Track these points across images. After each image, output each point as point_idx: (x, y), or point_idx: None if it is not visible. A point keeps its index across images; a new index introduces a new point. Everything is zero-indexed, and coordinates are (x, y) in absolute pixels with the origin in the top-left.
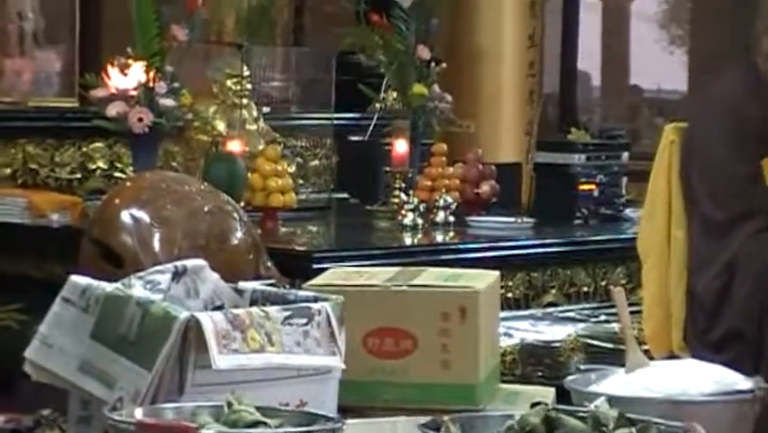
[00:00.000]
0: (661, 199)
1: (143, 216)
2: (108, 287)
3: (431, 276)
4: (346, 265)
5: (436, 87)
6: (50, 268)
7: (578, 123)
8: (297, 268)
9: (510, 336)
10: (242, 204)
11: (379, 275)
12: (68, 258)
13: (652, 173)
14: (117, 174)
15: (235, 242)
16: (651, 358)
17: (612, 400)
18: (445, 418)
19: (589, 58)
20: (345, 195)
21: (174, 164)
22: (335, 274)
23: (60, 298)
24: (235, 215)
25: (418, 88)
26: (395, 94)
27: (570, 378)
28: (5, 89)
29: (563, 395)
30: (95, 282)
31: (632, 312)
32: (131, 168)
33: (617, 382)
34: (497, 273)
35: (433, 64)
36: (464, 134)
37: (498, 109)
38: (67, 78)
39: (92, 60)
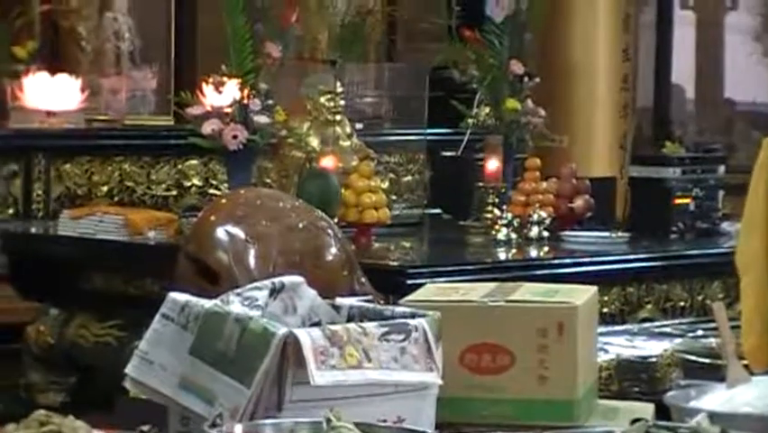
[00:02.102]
0: (760, 213)
1: (239, 232)
2: (207, 303)
3: (528, 291)
4: (440, 281)
5: (529, 102)
6: (146, 285)
7: (672, 136)
8: (390, 284)
9: (606, 351)
10: (336, 220)
11: (475, 291)
12: (165, 275)
13: (750, 187)
14: (212, 191)
15: (330, 258)
16: (750, 373)
17: (713, 417)
18: None
19: (683, 71)
20: (438, 210)
21: (268, 181)
22: (432, 290)
23: (160, 314)
24: (329, 231)
25: (511, 103)
26: (488, 109)
27: (669, 394)
28: (102, 108)
29: (662, 411)
30: (193, 299)
31: (731, 327)
32: (225, 185)
33: (717, 398)
34: (594, 288)
35: (526, 79)
36: (558, 149)
37: (592, 123)
38: (162, 96)
39: (187, 78)
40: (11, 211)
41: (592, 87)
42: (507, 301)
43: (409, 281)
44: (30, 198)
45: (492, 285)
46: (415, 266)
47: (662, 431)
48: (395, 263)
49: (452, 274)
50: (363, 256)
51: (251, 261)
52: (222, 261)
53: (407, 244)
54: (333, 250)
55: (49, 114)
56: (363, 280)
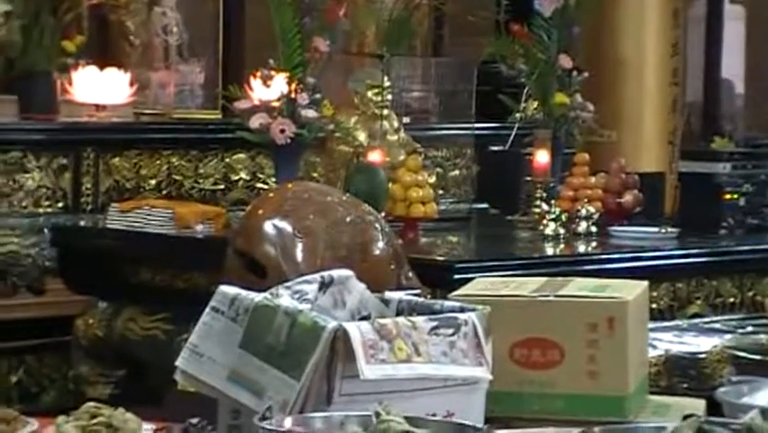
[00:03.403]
0: None
1: (286, 226)
2: (257, 297)
3: (578, 286)
4: (487, 276)
5: (578, 97)
6: (194, 278)
7: (722, 131)
8: (437, 278)
9: (655, 347)
10: (383, 214)
11: (525, 285)
12: (213, 268)
13: None
14: (259, 185)
15: (377, 252)
16: None
17: (766, 413)
18: (596, 429)
19: (733, 66)
20: (485, 205)
21: (315, 175)
22: (481, 284)
23: (210, 308)
24: (377, 225)
25: (560, 98)
26: (536, 103)
27: (721, 390)
28: (150, 102)
29: (713, 407)
30: (243, 292)
31: None
32: (273, 179)
33: None
34: (645, 283)
35: (575, 73)
36: (606, 144)
37: (641, 118)
38: (210, 90)
39: (235, 72)
40: (60, 205)
41: (641, 82)
42: (557, 296)
43: (456, 276)
44: (79, 192)
45: (542, 280)
46: (462, 261)
47: (715, 427)
48: (442, 258)
49: (499, 269)
50: (410, 251)
51: (299, 255)
52: (269, 255)
53: (454, 239)
54: (381, 244)
55: (98, 107)
56: (410, 274)
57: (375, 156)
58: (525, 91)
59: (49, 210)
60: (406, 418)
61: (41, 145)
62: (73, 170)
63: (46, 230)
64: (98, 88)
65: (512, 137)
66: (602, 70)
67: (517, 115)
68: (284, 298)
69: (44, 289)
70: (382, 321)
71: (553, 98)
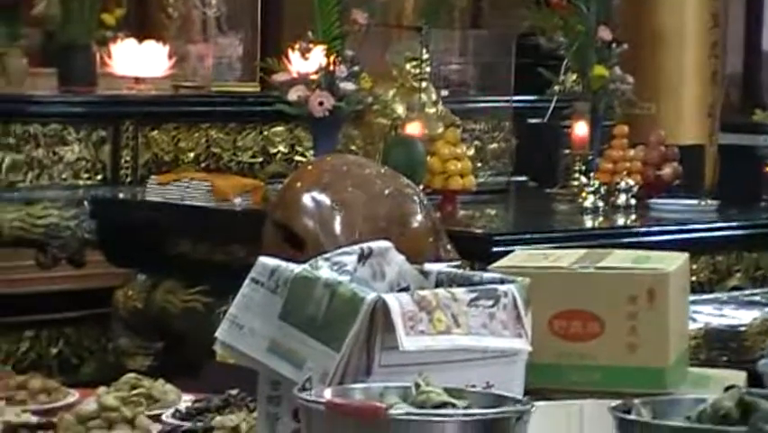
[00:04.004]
0: None
1: (325, 199)
2: (296, 268)
3: (618, 258)
4: (525, 248)
5: (617, 69)
6: (232, 251)
7: (763, 103)
8: (476, 251)
9: (694, 320)
10: (421, 187)
11: (565, 257)
12: (251, 241)
13: None
14: (297, 158)
15: (415, 225)
16: None
17: None
18: (636, 401)
19: None
20: (524, 178)
21: (353, 148)
22: (521, 256)
23: (250, 279)
24: (415, 198)
25: (599, 70)
26: (575, 76)
27: (763, 361)
28: (189, 74)
29: (753, 379)
30: (283, 264)
31: None
32: (311, 152)
33: None
34: (685, 255)
35: (614, 45)
36: (646, 116)
37: (681, 90)
38: (248, 62)
39: (273, 45)
40: (99, 177)
41: (681, 54)
42: (597, 268)
43: (494, 249)
44: (118, 165)
45: (582, 252)
46: (500, 233)
47: (757, 399)
48: (480, 231)
49: (537, 242)
50: (449, 223)
51: (337, 227)
52: (308, 227)
53: (493, 212)
54: (419, 217)
55: (137, 80)
56: (449, 247)
57: (413, 129)
58: (564, 63)
59: (88, 183)
60: (445, 389)
61: (81, 118)
62: (112, 143)
63: (86, 202)
64: (137, 61)
65: (551, 110)
66: (642, 42)
67: (556, 87)
68: (323, 269)
69: (84, 261)
70: (421, 293)
71: (592, 71)
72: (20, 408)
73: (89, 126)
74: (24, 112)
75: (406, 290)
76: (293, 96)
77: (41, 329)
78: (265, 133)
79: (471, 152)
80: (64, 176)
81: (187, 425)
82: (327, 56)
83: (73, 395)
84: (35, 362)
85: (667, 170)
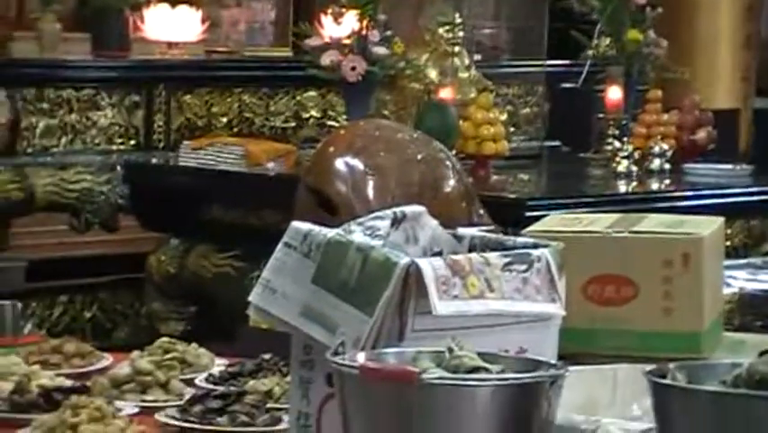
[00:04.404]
0: None
1: (357, 163)
2: (329, 233)
3: (653, 222)
4: (558, 213)
5: (651, 33)
6: (265, 216)
7: None
8: (509, 216)
9: (728, 285)
10: (454, 152)
11: (599, 221)
12: (284, 206)
13: None
14: (330, 123)
15: (448, 190)
16: None
17: None
18: (671, 365)
19: None
20: (557, 142)
21: (386, 113)
22: (554, 221)
23: (282, 243)
24: (448, 163)
25: (633, 34)
26: (608, 40)
27: None
28: (222, 39)
29: None
30: (316, 228)
31: None
32: (343, 116)
33: None
34: (721, 220)
35: (648, 9)
36: (680, 81)
37: (715, 55)
38: (281, 27)
39: (306, 10)
40: (132, 142)
41: (715, 18)
42: (632, 232)
43: (528, 213)
44: (151, 129)
45: (616, 216)
46: (533, 198)
47: None
48: (513, 195)
49: (570, 207)
50: (481, 188)
51: (370, 192)
52: (340, 192)
53: (526, 177)
54: (452, 182)
55: (170, 45)
56: (482, 212)
57: (446, 93)
58: (598, 27)
59: (121, 147)
60: (478, 354)
61: (114, 83)
62: (145, 108)
63: (119, 167)
64: (170, 26)
65: (584, 74)
66: (676, 6)
67: (590, 51)
68: (356, 233)
69: (117, 226)
70: (455, 257)
71: (626, 35)
72: (54, 371)
73: (122, 91)
74: (58, 77)
75: (439, 254)
76: (326, 60)
77: (74, 294)
78: (298, 97)
79: (504, 116)
80: (97, 141)
81: (221, 389)
82: (360, 20)
83: (107, 359)
84: (69, 326)
85: (701, 135)
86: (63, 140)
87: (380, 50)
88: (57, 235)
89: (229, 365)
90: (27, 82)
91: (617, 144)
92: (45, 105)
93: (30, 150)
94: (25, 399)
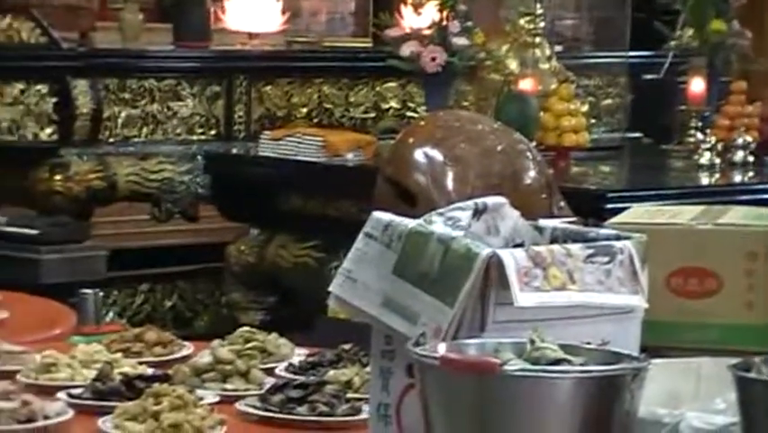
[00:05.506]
0: None
1: (437, 154)
2: (410, 223)
3: (737, 215)
4: (640, 206)
5: (736, 23)
6: (344, 206)
7: None
8: (589, 208)
9: None
10: (534, 143)
11: (683, 214)
12: (363, 197)
13: None
14: (409, 113)
15: (528, 181)
16: None
17: None
18: (756, 359)
19: None
20: (638, 134)
21: (466, 104)
22: (638, 212)
23: (363, 233)
24: (528, 154)
25: (717, 25)
26: (691, 30)
27: None
28: (302, 30)
29: None
30: (396, 218)
31: None
32: (423, 107)
33: None
34: None
35: None
36: (764, 72)
37: None
38: (361, 18)
39: (386, 0)
40: (213, 132)
41: None
42: (716, 224)
43: (608, 206)
44: (231, 120)
45: (700, 208)
46: (614, 190)
47: None
48: (594, 187)
49: (652, 199)
50: (562, 180)
51: (449, 183)
52: (420, 183)
53: (607, 169)
54: (532, 173)
55: (250, 36)
56: (562, 204)
57: (526, 84)
58: (681, 18)
59: (202, 138)
60: (560, 345)
61: (195, 73)
62: (226, 98)
63: (199, 157)
64: (251, 16)
65: (666, 65)
66: None
67: (672, 42)
68: (437, 224)
69: (197, 215)
70: (536, 248)
71: (710, 25)
72: (136, 360)
73: (203, 81)
74: (140, 67)
75: (520, 246)
76: (405, 51)
77: (155, 283)
78: (377, 88)
79: (585, 107)
80: (178, 131)
81: (301, 379)
82: (440, 11)
83: (188, 348)
84: (150, 315)
85: None
86: (144, 130)
87: (460, 41)
88: (138, 225)
89: (309, 355)
90: (109, 72)
91: (700, 136)
92: (127, 95)
93: (112, 139)
94: (108, 386)
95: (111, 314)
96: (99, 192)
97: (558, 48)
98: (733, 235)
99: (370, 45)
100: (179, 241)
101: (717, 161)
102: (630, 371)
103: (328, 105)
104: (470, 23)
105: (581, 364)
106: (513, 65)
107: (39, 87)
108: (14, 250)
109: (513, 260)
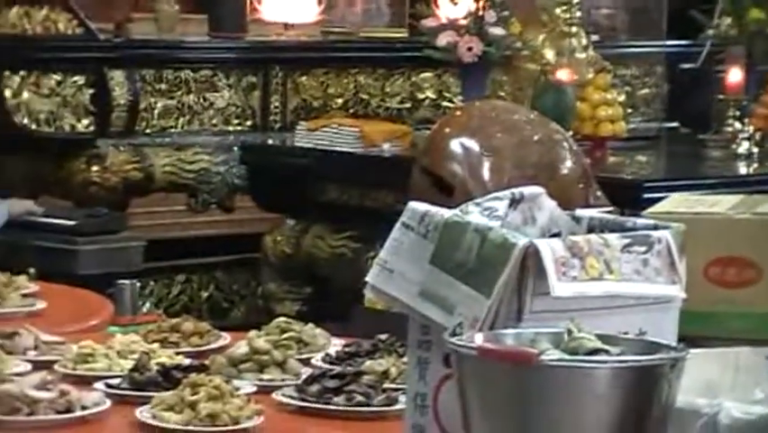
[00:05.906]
0: None
1: (473, 145)
2: (447, 213)
3: None
4: (677, 195)
5: None
6: (381, 197)
7: None
8: (626, 198)
9: None
10: (571, 133)
11: (721, 203)
12: (399, 187)
13: None
14: (445, 104)
15: (565, 171)
16: None
17: None
18: None
19: None
20: (676, 124)
21: (502, 94)
22: (675, 202)
23: (400, 223)
24: (565, 144)
25: (755, 13)
26: (729, 19)
27: None
28: (338, 20)
29: None
30: (433, 209)
31: None
32: (459, 97)
33: None
34: None
35: None
36: None
37: None
38: (397, 7)
39: None
40: (249, 123)
41: None
42: (754, 214)
43: (646, 195)
44: (267, 110)
45: (738, 197)
46: (651, 180)
47: None
48: (631, 177)
49: (689, 189)
50: (598, 170)
51: (486, 173)
52: (456, 173)
53: (644, 158)
54: (569, 163)
55: (286, 26)
56: (599, 193)
57: (563, 74)
58: (719, 7)
59: (238, 128)
60: (597, 335)
61: (231, 64)
62: (262, 89)
63: (235, 148)
64: (287, 7)
65: (704, 54)
66: None
67: (710, 31)
68: (474, 214)
69: (233, 206)
70: (574, 238)
71: (748, 14)
72: (173, 350)
73: (239, 72)
74: (176, 58)
75: (557, 235)
76: (442, 41)
77: (191, 273)
78: (413, 78)
79: (622, 97)
80: (214, 121)
81: (337, 369)
82: (476, 1)
83: (224, 338)
84: (186, 305)
85: None
86: (181, 120)
87: (497, 31)
88: (174, 215)
89: (345, 345)
90: (145, 63)
91: (738, 126)
92: (163, 86)
93: (148, 130)
94: (145, 376)
95: (147, 305)
96: (136, 183)
97: (594, 37)
98: None
99: (406, 35)
100: (215, 231)
101: (755, 150)
102: (668, 361)
103: (364, 96)
104: (506, 13)
105: (619, 355)
106: (549, 55)
107: (75, 78)
108: (52, 241)
109: (550, 250)
